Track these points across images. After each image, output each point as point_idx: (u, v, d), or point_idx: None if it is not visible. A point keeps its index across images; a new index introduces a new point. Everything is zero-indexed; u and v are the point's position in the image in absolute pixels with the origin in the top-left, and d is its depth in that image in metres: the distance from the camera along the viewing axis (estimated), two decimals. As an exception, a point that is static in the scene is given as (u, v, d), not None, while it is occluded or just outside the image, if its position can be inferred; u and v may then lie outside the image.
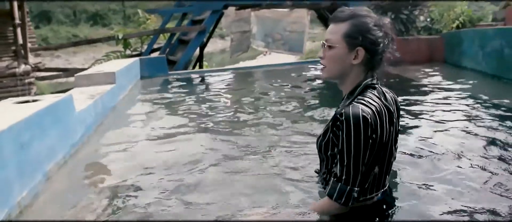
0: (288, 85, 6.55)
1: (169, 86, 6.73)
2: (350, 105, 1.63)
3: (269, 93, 5.69)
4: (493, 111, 4.07)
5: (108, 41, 9.63)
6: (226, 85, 7.01)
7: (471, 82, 5.89)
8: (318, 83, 6.83)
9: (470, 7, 11.71)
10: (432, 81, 6.29)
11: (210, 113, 4.49)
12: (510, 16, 9.29)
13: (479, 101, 4.58)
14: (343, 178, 1.62)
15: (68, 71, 9.25)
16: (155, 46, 9.65)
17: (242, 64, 15.43)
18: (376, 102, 1.65)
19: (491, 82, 5.91)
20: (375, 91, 1.71)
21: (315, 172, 2.16)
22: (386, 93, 1.78)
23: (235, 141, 3.27)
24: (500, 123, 3.59)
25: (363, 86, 1.72)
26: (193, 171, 2.62)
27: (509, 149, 2.88)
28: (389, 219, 1.83)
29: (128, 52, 9.59)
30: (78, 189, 2.51)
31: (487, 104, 4.39)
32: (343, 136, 1.60)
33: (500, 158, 2.70)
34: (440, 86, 5.77)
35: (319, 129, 3.51)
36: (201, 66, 10.44)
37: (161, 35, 9.84)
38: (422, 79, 6.48)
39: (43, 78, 9.10)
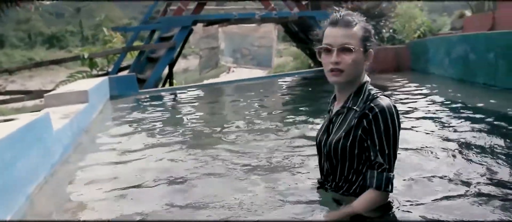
0: (260, 98, 6.59)
1: (141, 104, 6.57)
2: (375, 99, 1.74)
3: (241, 106, 5.71)
4: (462, 111, 4.25)
5: (74, 61, 9.30)
6: (198, 102, 6.93)
7: (440, 87, 6.09)
8: (289, 95, 6.90)
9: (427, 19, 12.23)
10: (405, 88, 6.44)
11: (184, 130, 4.36)
12: (468, 25, 9.75)
13: (448, 103, 4.81)
14: (386, 167, 1.71)
15: (31, 93, 8.84)
16: (122, 65, 9.41)
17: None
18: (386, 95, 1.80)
19: (458, 86, 6.10)
20: (372, 86, 1.85)
21: (318, 181, 2.11)
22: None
23: (215, 155, 3.16)
24: (468, 122, 3.75)
25: (368, 83, 1.84)
26: (177, 189, 2.48)
27: (476, 144, 2.99)
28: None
29: (94, 72, 9.31)
30: (62, 213, 2.33)
31: (456, 106, 4.58)
32: (381, 127, 1.70)
33: (468, 150, 2.86)
34: (414, 92, 5.91)
35: (297, 138, 3.54)
36: (171, 84, 10.28)
37: (127, 54, 9.62)
38: (395, 86, 6.62)
39: (3, 102, 8.65)
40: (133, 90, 7.44)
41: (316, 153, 2.06)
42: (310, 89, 7.86)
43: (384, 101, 1.73)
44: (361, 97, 1.80)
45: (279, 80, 9.11)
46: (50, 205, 2.46)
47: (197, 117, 5.45)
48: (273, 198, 2.16)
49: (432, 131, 3.51)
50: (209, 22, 10.06)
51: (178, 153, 3.34)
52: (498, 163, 2.53)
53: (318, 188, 2.11)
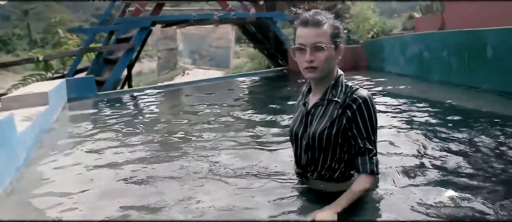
0: (221, 98, 6.64)
1: (101, 106, 6.42)
2: (356, 91, 1.89)
3: (203, 107, 5.66)
4: (420, 106, 4.43)
5: (27, 63, 8.88)
6: (158, 103, 6.85)
7: (397, 83, 6.29)
8: (250, 94, 6.95)
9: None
10: (364, 85, 6.63)
11: (146, 131, 4.24)
12: (419, 25, 10.18)
13: (406, 98, 4.99)
14: (374, 151, 1.88)
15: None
16: (78, 67, 9.10)
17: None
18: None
19: (414, 83, 6.36)
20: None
21: (296, 172, 2.18)
22: None
23: (180, 156, 3.11)
24: (426, 115, 3.96)
25: (342, 77, 1.97)
26: (141, 191, 2.40)
27: (436, 136, 3.13)
28: None
29: (49, 75, 8.95)
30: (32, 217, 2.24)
31: (414, 101, 4.74)
32: (365, 116, 1.86)
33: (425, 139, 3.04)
34: (373, 89, 6.10)
35: (258, 134, 3.58)
36: (130, 86, 10.06)
37: (84, 56, 9.32)
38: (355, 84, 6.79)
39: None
40: (91, 93, 7.26)
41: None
42: (271, 88, 7.95)
43: (364, 92, 1.89)
44: (340, 89, 1.93)
45: (239, 80, 9.14)
46: (18, 210, 2.36)
47: (158, 118, 5.38)
48: (255, 195, 2.14)
49: (394, 126, 3.61)
50: (168, 23, 9.95)
51: (140, 153, 3.25)
52: (455, 151, 2.68)
53: (298, 179, 2.16)
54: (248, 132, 3.81)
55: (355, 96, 1.86)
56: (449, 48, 5.73)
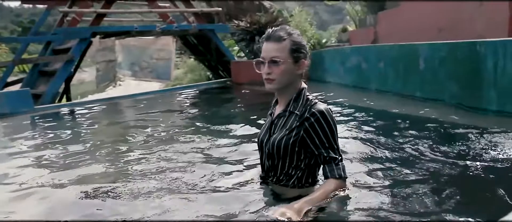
0: (163, 111, 6.55)
1: (38, 121, 6.08)
2: (314, 105, 2.01)
3: (145, 120, 5.56)
4: (361, 113, 4.79)
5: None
6: (100, 116, 6.61)
7: (338, 92, 6.68)
8: (191, 107, 6.98)
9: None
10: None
11: (90, 146, 4.07)
12: (353, 38, 10.75)
13: (347, 106, 5.36)
14: (339, 158, 2.00)
15: None
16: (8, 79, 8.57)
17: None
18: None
19: (354, 92, 6.74)
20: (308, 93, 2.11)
21: (260, 177, 2.29)
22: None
23: (126, 169, 3.05)
24: (363, 119, 4.38)
25: (305, 90, 2.09)
26: (93, 204, 2.35)
27: (377, 140, 3.42)
28: None
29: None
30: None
31: (355, 108, 5.07)
32: (325, 127, 1.97)
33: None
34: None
35: (209, 146, 3.59)
36: (68, 99, 9.62)
37: (14, 67, 8.79)
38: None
39: None
40: (27, 107, 6.84)
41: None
42: (216, 99, 8.02)
43: (322, 106, 2.01)
44: (301, 102, 2.04)
45: (183, 91, 9.09)
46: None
47: (100, 132, 5.17)
48: (217, 201, 2.22)
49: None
50: (109, 34, 9.69)
51: (85, 169, 3.15)
52: (395, 155, 2.96)
53: (260, 183, 2.28)
54: (197, 143, 3.81)
55: (313, 110, 1.97)
56: (386, 60, 6.14)
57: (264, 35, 2.05)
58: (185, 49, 13.47)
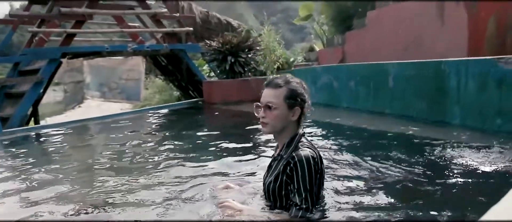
0: (133, 131, 6.55)
1: (6, 146, 5.87)
2: (298, 151, 2.08)
3: (116, 142, 5.44)
4: (333, 129, 5.04)
5: None
6: (70, 140, 6.44)
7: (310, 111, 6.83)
8: (164, 128, 7.02)
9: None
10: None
11: (57, 172, 3.87)
12: (322, 57, 11.06)
13: (319, 123, 5.51)
14: (303, 207, 2.00)
15: None
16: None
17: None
18: (312, 146, 2.16)
19: (326, 109, 6.95)
20: (306, 139, 2.20)
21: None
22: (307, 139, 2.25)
23: (98, 198, 2.97)
24: (333, 135, 4.58)
25: (299, 136, 2.19)
26: None
27: (350, 153, 3.64)
28: None
29: None
30: None
31: (326, 125, 5.30)
32: (299, 174, 2.03)
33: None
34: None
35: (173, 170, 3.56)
36: (36, 122, 9.40)
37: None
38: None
39: None
40: (-6, 131, 6.66)
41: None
42: (187, 118, 8.06)
43: (304, 152, 2.07)
44: (291, 148, 2.15)
45: (156, 112, 9.08)
46: None
47: (70, 155, 5.00)
48: None
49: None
50: (79, 55, 9.60)
51: (55, 194, 3.06)
52: (364, 168, 3.16)
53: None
54: (172, 165, 3.78)
55: (294, 154, 2.06)
56: (357, 79, 6.41)
57: (265, 81, 2.22)
58: (153, 69, 13.46)
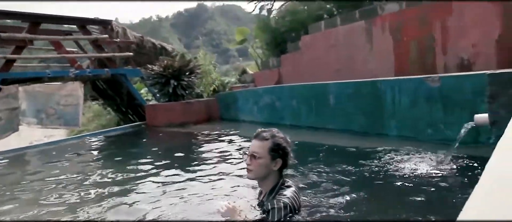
0: (74, 158, 6.51)
1: None
2: (275, 200, 2.32)
3: (53, 173, 5.14)
4: None
5: None
6: (6, 170, 6.18)
7: (252, 129, 7.16)
8: (106, 154, 6.99)
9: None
10: (221, 132, 7.43)
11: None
12: (258, 78, 11.61)
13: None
14: None
15: None
16: None
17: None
18: (291, 194, 2.37)
19: (267, 128, 7.33)
20: (287, 187, 2.44)
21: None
22: (291, 185, 2.50)
23: None
24: None
25: (280, 185, 2.47)
26: None
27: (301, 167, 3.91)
28: None
29: None
30: None
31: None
32: (274, 219, 2.24)
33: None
34: (230, 133, 6.98)
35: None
36: (-31, 152, 8.84)
37: None
38: (214, 134, 7.50)
39: None
40: None
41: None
42: (131, 142, 8.16)
43: (281, 201, 2.29)
44: (272, 195, 2.42)
45: (98, 137, 9.01)
46: None
47: (7, 185, 4.65)
48: None
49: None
50: (19, 81, 9.28)
51: None
52: (312, 178, 3.52)
53: None
54: (119, 191, 3.81)
55: (271, 203, 2.29)
56: (298, 98, 6.96)
57: (254, 133, 2.55)
58: (87, 94, 13.18)
